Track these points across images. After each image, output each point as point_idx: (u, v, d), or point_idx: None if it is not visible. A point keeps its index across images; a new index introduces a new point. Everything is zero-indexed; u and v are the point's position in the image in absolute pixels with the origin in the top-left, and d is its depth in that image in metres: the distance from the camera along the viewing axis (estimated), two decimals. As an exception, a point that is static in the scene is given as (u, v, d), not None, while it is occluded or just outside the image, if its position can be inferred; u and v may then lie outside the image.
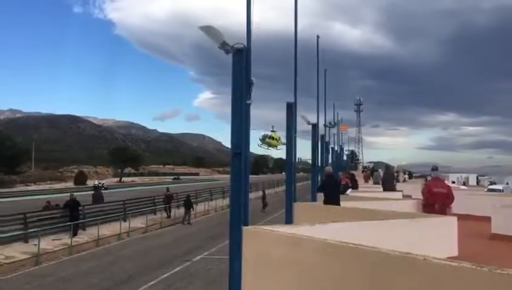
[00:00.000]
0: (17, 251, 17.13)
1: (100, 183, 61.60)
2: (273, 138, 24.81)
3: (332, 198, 10.43)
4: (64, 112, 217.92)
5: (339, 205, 10.19)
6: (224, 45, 5.65)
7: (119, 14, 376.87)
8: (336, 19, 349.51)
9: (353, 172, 30.67)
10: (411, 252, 3.64)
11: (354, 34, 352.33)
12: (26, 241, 18.31)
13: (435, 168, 11.16)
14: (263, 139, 25.08)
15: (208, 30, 5.59)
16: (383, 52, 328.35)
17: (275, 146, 25.87)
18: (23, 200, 35.97)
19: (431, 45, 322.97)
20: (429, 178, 11.25)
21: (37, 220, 19.69)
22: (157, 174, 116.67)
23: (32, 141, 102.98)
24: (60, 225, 20.52)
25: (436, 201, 9.43)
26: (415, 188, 18.07)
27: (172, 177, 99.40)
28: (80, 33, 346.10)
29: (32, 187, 64.87)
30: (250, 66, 5.81)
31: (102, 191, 34.73)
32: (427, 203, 9.83)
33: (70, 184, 73.55)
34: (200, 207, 32.43)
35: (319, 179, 18.77)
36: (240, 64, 5.71)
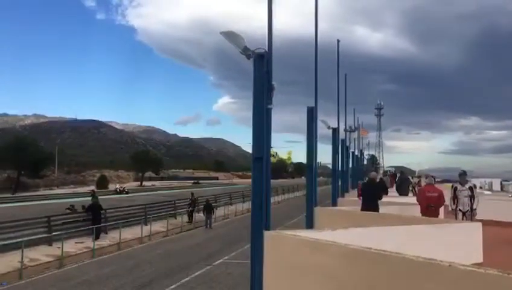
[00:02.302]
0: (41, 254, 17.45)
1: (121, 187, 62.39)
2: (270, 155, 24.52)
3: (370, 204, 10.27)
4: (86, 117, 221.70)
5: (376, 211, 10.02)
6: (245, 50, 5.68)
7: (141, 21, 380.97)
8: (357, 22, 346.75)
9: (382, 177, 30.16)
10: (435, 259, 3.59)
11: (375, 37, 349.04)
12: (50, 244, 18.65)
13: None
14: None
15: (230, 35, 5.64)
16: (405, 55, 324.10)
17: (272, 163, 25.61)
18: (47, 204, 36.56)
19: (454, 49, 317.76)
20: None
21: (61, 224, 20.07)
22: (177, 178, 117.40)
23: (56, 145, 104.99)
24: (83, 228, 20.84)
25: (429, 204, 10.15)
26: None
27: (192, 181, 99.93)
28: (103, 39, 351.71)
29: (56, 191, 65.97)
30: (272, 71, 5.83)
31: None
32: (422, 207, 10.33)
33: (92, 188, 74.54)
34: (220, 211, 32.49)
35: (339, 183, 18.68)
36: (261, 69, 5.73)
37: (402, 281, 3.72)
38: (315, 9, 10.80)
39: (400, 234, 6.09)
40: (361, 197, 15.37)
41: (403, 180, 18.52)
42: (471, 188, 10.56)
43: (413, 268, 3.62)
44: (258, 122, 5.70)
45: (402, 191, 17.14)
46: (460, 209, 10.51)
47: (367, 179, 11.96)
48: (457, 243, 6.60)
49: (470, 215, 10.35)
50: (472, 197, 10.44)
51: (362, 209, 10.23)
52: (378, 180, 13.64)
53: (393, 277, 3.78)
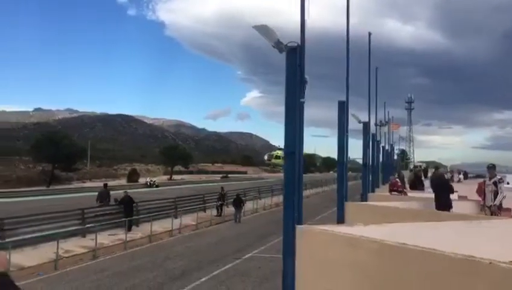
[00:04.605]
0: (76, 245, 17.90)
1: (152, 180, 63.37)
2: (279, 157, 23.74)
3: (444, 203, 10.10)
4: (117, 112, 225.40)
5: (448, 210, 9.82)
6: (278, 44, 5.66)
7: (171, 16, 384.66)
8: (388, 15, 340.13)
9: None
10: (474, 255, 3.50)
11: (406, 30, 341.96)
12: (84, 236, 19.11)
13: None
14: (269, 159, 23.98)
15: (263, 29, 5.62)
16: (437, 48, 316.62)
17: (281, 165, 24.71)
18: (80, 197, 37.40)
19: (487, 41, 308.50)
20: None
21: (94, 216, 20.55)
22: (206, 172, 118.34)
23: (88, 139, 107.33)
24: (115, 220, 21.28)
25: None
26: (471, 189, 17.34)
27: (221, 175, 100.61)
28: (133, 35, 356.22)
29: (88, 184, 67.43)
30: (304, 65, 5.79)
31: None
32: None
33: (123, 181, 75.94)
34: (248, 205, 32.60)
35: (371, 178, 18.46)
36: (293, 63, 5.69)
37: (440, 278, 3.64)
38: (347, 4, 10.66)
39: (435, 230, 5.96)
40: (392, 192, 15.22)
41: (438, 175, 18.11)
42: (495, 183, 10.17)
43: (451, 265, 3.53)
44: (290, 117, 5.67)
45: None
46: (486, 205, 10.24)
47: (434, 175, 11.86)
48: (494, 240, 6.41)
49: (494, 210, 10.02)
50: (496, 192, 10.08)
51: (437, 208, 10.00)
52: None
53: (431, 274, 3.70)
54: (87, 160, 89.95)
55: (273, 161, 22.68)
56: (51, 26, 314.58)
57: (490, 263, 3.28)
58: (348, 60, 10.62)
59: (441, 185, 10.74)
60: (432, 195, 11.56)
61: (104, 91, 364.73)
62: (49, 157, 70.47)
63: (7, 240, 15.77)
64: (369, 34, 16.22)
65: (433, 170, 21.71)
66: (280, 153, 23.26)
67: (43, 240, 17.07)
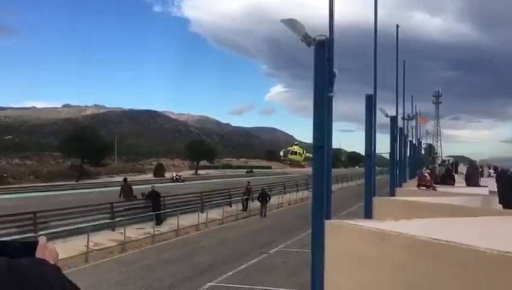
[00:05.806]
0: (105, 239, 18.26)
1: (178, 175, 64.07)
2: (296, 153, 23.34)
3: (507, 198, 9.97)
4: (143, 107, 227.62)
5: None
6: (306, 38, 5.62)
7: (195, 12, 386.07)
8: (415, 7, 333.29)
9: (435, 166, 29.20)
10: (511, 251, 3.43)
11: (434, 22, 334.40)
12: (113, 230, 19.49)
13: None
14: (285, 155, 23.64)
15: (290, 23, 5.60)
16: (465, 41, 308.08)
17: (298, 161, 24.49)
18: (109, 191, 38.04)
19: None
20: None
21: (123, 210, 20.93)
22: (230, 167, 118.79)
23: (115, 135, 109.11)
24: (143, 215, 21.62)
25: None
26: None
27: (246, 170, 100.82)
28: (159, 31, 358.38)
29: (116, 179, 68.56)
30: (333, 58, 5.74)
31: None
32: None
33: (150, 176, 76.94)
34: (273, 200, 32.63)
35: (397, 172, 18.20)
36: (322, 56, 5.65)
37: (473, 275, 3.58)
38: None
39: (467, 226, 5.86)
40: (420, 187, 14.96)
41: (472, 171, 17.69)
42: None
43: (486, 261, 3.47)
44: (319, 111, 5.64)
45: (471, 182, 16.35)
46: None
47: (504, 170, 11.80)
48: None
49: None
50: None
51: (505, 206, 9.82)
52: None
53: (465, 270, 3.64)
54: (114, 155, 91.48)
55: (290, 156, 22.34)
56: (77, 23, 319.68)
57: (527, 259, 3.21)
58: (375, 53, 10.47)
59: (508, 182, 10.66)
60: (466, 190, 11.39)
61: (130, 87, 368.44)
62: (78, 153, 71.89)
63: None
64: (397, 26, 15.94)
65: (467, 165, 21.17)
66: (296, 148, 22.99)
67: (74, 233, 17.47)
